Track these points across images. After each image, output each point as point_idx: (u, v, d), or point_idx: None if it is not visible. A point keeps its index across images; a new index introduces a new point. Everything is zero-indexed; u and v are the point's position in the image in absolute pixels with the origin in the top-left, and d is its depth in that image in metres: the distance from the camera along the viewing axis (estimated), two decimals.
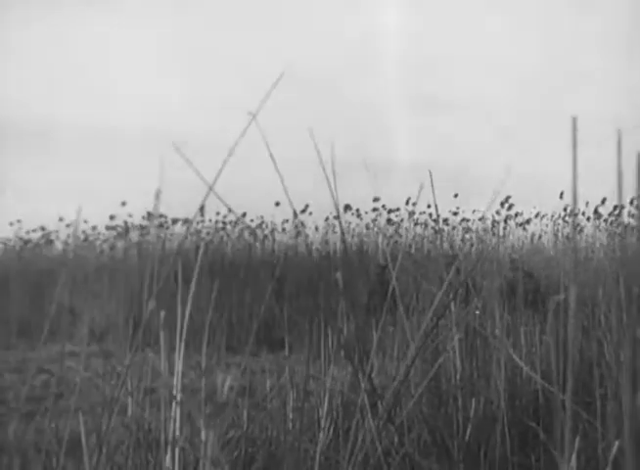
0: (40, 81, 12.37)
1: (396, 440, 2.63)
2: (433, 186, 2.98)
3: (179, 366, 2.28)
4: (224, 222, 11.14)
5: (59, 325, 7.82)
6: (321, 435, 2.61)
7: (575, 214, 1.36)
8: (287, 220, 11.18)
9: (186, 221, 10.83)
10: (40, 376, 5.93)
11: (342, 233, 10.10)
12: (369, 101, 12.46)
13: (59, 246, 11.75)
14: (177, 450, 2.26)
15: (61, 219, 11.17)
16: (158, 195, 2.27)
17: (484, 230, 11.32)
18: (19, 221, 12.00)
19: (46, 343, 7.09)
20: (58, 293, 2.71)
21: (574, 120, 1.33)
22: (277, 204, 10.27)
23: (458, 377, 3.10)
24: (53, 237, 11.83)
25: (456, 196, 10.62)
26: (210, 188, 2.14)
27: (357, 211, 11.34)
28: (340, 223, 8.64)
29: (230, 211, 9.82)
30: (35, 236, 12.07)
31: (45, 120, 12.18)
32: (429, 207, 10.73)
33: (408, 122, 11.69)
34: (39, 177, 11.57)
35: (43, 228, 11.86)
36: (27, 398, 2.93)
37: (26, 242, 12.15)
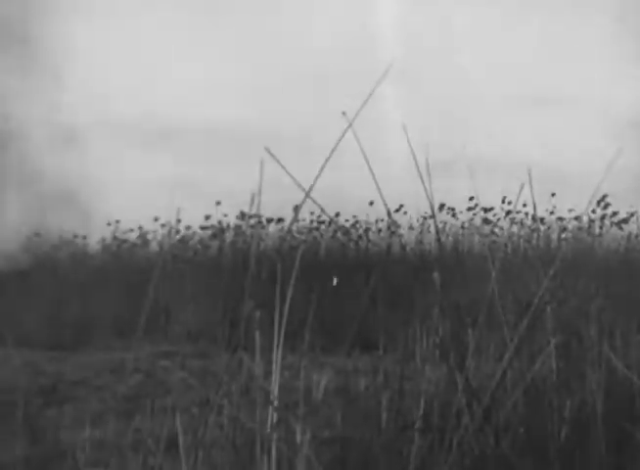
0: (133, 78, 12.54)
1: (492, 440, 2.61)
2: (531, 184, 2.95)
3: (276, 366, 2.29)
4: (318, 222, 11.16)
5: (155, 325, 7.92)
6: (417, 436, 2.60)
7: None
8: (382, 220, 11.15)
9: (280, 221, 10.88)
10: (136, 376, 6.02)
11: (437, 232, 10.05)
12: (462, 98, 12.37)
13: (154, 246, 11.88)
14: (273, 450, 2.28)
15: (156, 219, 11.30)
16: (255, 195, 2.28)
17: (580, 229, 11.15)
18: (117, 222, 12.17)
19: (142, 343, 7.19)
20: (153, 293, 2.74)
21: None
22: (371, 203, 10.22)
23: (554, 378, 3.06)
24: (149, 237, 11.97)
25: (553, 195, 10.48)
26: (307, 194, 2.15)
27: (452, 210, 11.27)
28: (434, 222, 8.60)
29: (323, 212, 9.85)
30: (132, 236, 12.23)
31: (143, 117, 12.35)
32: (524, 205, 10.59)
33: (505, 120, 11.57)
34: (136, 176, 11.74)
35: (140, 228, 12.02)
36: (124, 397, 2.97)
37: (123, 242, 12.31)
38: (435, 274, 2.63)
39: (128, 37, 12.32)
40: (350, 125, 2.19)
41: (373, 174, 2.44)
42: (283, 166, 2.16)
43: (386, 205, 2.78)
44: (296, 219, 10.23)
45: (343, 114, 2.20)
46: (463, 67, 12.47)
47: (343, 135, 2.17)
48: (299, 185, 2.16)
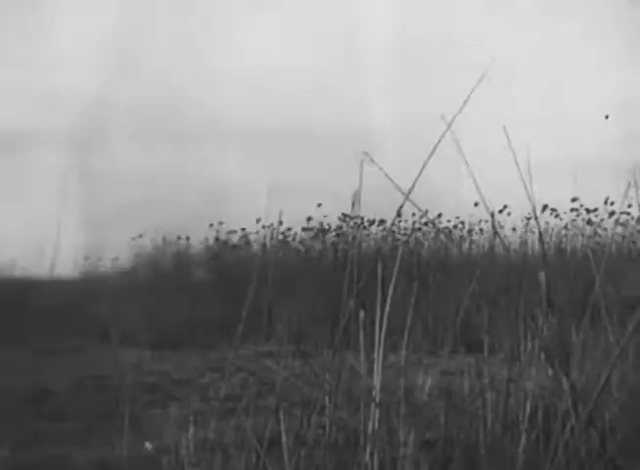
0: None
1: (598, 443, 2.57)
2: (637, 185, 2.89)
3: (378, 366, 2.29)
4: (421, 223, 11.12)
5: (257, 325, 7.99)
6: (522, 437, 2.57)
7: None
8: (486, 221, 11.06)
9: (382, 222, 10.88)
10: (239, 375, 6.07)
11: (540, 233, 9.93)
12: (562, 97, 12.21)
13: (256, 247, 11.97)
14: (376, 450, 2.27)
15: (258, 221, 11.38)
16: (355, 196, 2.28)
17: None
18: (220, 223, 12.30)
19: (245, 342, 7.25)
20: (254, 293, 2.76)
21: None
22: (476, 204, 10.12)
23: None
24: (251, 238, 12.07)
25: None
26: (407, 196, 2.14)
27: (555, 210, 11.14)
28: (537, 224, 8.48)
29: (425, 214, 9.84)
30: (234, 237, 12.34)
31: (246, 121, 12.46)
32: (629, 206, 10.41)
33: (607, 120, 11.37)
34: (239, 177, 11.84)
35: (243, 229, 12.12)
36: (227, 396, 3.00)
37: (225, 243, 12.43)
38: (542, 274, 2.60)
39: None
40: (449, 128, 2.18)
41: (473, 175, 2.42)
42: (382, 169, 2.16)
43: (486, 206, 2.76)
44: (396, 221, 10.21)
45: (442, 117, 2.19)
46: (563, 67, 12.33)
47: (442, 137, 2.16)
48: (399, 188, 2.15)
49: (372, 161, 2.13)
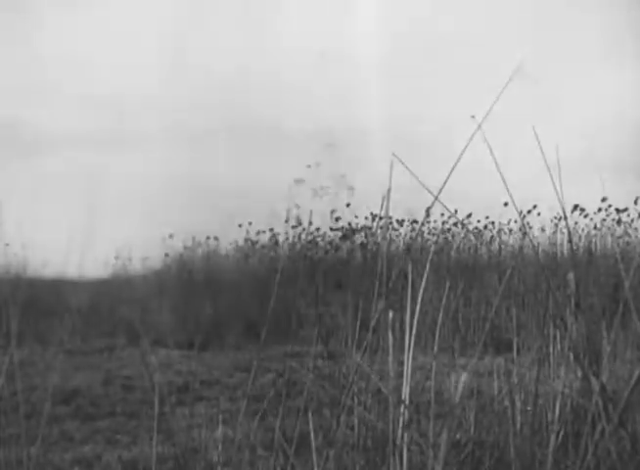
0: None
1: (629, 445, 2.55)
2: None
3: (408, 367, 2.29)
4: (451, 223, 11.11)
5: (286, 326, 8.00)
6: (552, 439, 2.56)
7: None
8: (515, 221, 11.04)
9: (412, 222, 10.87)
10: (268, 375, 6.09)
11: (570, 234, 9.91)
12: (591, 99, 12.16)
13: (285, 247, 11.97)
14: (405, 451, 2.27)
15: (286, 220, 11.40)
16: (384, 197, 2.28)
17: None
18: (249, 223, 12.32)
19: (273, 343, 7.26)
20: (283, 294, 2.77)
21: None
22: (505, 204, 10.09)
23: None
24: (280, 238, 12.08)
25: None
26: (436, 198, 2.14)
27: (584, 210, 11.10)
28: (566, 224, 8.46)
29: (453, 215, 9.83)
30: (263, 238, 12.36)
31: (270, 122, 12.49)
32: None
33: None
34: (270, 177, 11.87)
35: (271, 229, 12.14)
36: (255, 396, 3.01)
37: (254, 243, 12.45)
38: (570, 275, 2.59)
39: None
40: (479, 127, 2.17)
41: (502, 175, 2.42)
42: (411, 171, 2.16)
43: (515, 206, 2.75)
44: (425, 221, 10.20)
45: (472, 117, 2.19)
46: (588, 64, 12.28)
47: (472, 138, 2.16)
48: (428, 189, 2.15)
49: (401, 162, 2.13)
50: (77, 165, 12.21)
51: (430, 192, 2.11)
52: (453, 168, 2.08)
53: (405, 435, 2.27)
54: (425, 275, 2.25)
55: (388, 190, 2.25)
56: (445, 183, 2.10)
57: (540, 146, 2.51)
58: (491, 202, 10.12)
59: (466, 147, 2.09)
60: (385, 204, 2.26)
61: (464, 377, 1.98)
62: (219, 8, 12.90)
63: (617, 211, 11.03)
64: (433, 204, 2.13)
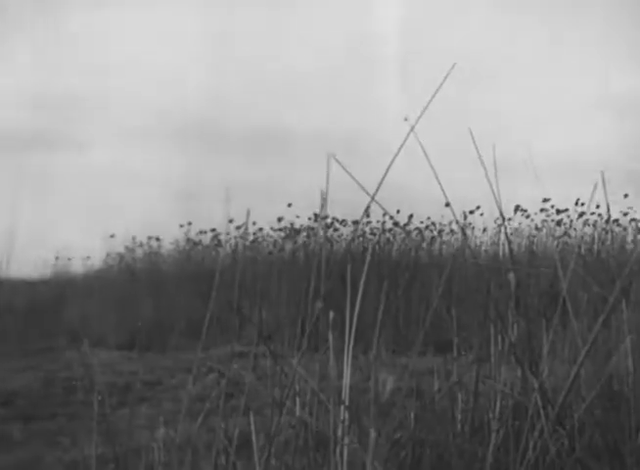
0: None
1: (567, 443, 2.58)
2: (605, 186, 2.91)
3: (347, 368, 2.29)
4: (391, 223, 11.13)
5: (228, 326, 7.97)
6: (492, 437, 2.58)
7: None
8: (457, 221, 11.09)
9: (354, 223, 10.87)
10: (210, 375, 6.06)
11: (506, 235, 9.98)
12: (534, 97, 12.28)
13: (227, 248, 11.94)
14: (345, 450, 2.27)
15: (230, 221, 11.36)
16: (323, 197, 2.28)
17: None
18: (189, 223, 12.26)
19: (215, 343, 7.24)
20: (226, 294, 2.76)
21: None
22: (447, 205, 10.10)
23: (630, 379, 3.01)
24: (222, 238, 12.03)
25: (626, 196, 10.28)
26: (372, 198, 2.15)
27: (525, 211, 11.19)
28: (503, 224, 8.54)
29: (391, 218, 9.85)
30: (205, 238, 12.30)
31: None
32: (598, 207, 10.45)
33: (580, 121, 11.46)
34: (208, 177, 11.83)
35: (213, 230, 12.09)
36: (198, 397, 2.99)
37: (196, 243, 12.39)
38: (511, 275, 2.61)
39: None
40: (412, 129, 2.18)
41: (437, 177, 2.43)
42: (347, 170, 2.16)
43: (452, 209, 2.76)
44: (362, 222, 10.22)
45: (405, 119, 2.20)
46: (528, 64, 12.41)
47: (406, 139, 2.16)
48: (364, 189, 2.16)
49: (338, 163, 2.13)
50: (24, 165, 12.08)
51: (366, 192, 2.12)
52: (388, 169, 2.09)
53: (346, 435, 2.28)
54: (364, 275, 2.25)
55: (323, 191, 2.25)
56: (381, 183, 2.11)
57: (476, 146, 2.52)
58: (435, 203, 10.18)
59: (400, 148, 2.10)
60: (323, 204, 2.26)
61: (392, 375, 1.99)
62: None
63: (558, 211, 11.14)
64: (369, 204, 2.13)
